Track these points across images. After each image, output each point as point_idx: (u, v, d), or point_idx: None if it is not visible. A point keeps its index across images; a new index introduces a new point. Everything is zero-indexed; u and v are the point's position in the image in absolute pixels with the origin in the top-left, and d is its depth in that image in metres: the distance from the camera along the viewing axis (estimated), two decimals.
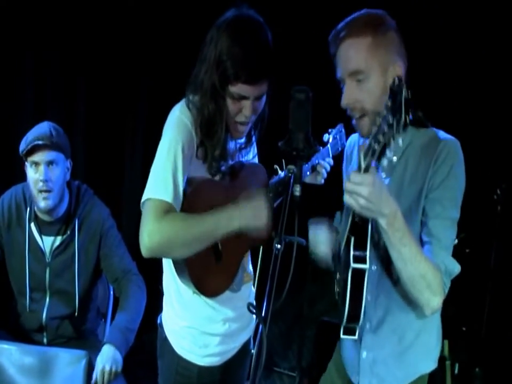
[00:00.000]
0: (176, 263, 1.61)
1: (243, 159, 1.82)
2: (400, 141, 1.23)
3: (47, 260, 2.34)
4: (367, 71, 1.45)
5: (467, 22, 3.61)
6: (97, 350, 2.12)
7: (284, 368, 3.56)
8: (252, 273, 1.92)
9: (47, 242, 2.35)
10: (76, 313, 2.39)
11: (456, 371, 3.24)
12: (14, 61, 3.43)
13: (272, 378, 3.49)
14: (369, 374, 1.64)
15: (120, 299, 2.35)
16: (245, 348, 1.92)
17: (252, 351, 1.91)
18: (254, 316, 1.88)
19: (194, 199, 1.56)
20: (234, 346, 1.86)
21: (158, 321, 1.84)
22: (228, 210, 1.53)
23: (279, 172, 1.89)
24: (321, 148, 1.92)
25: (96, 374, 2.03)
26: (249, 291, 1.90)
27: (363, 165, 1.29)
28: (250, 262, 1.90)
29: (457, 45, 3.66)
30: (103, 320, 2.63)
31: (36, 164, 2.23)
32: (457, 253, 1.51)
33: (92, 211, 2.39)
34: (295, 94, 1.28)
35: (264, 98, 1.63)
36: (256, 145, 1.89)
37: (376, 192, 1.29)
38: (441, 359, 1.70)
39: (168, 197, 1.47)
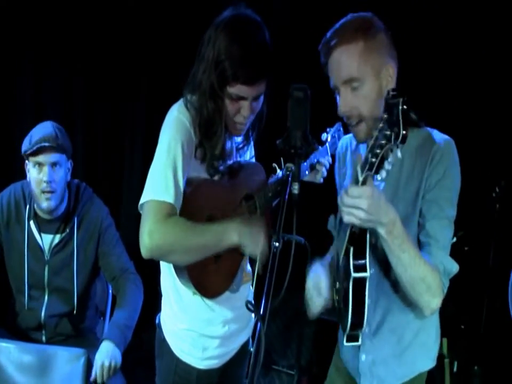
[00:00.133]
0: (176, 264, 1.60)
1: (241, 159, 1.82)
2: (399, 153, 1.21)
3: (46, 258, 2.34)
4: (361, 77, 1.44)
5: (467, 22, 3.61)
6: (96, 348, 2.12)
7: (282, 366, 3.55)
8: (251, 272, 1.92)
9: (46, 240, 2.35)
10: (75, 311, 2.39)
11: (455, 369, 3.25)
12: (14, 61, 3.44)
13: (270, 376, 3.49)
14: (369, 376, 1.64)
15: (118, 297, 2.35)
16: (243, 348, 1.91)
17: (251, 350, 1.91)
18: (253, 316, 1.88)
19: (193, 199, 1.56)
20: (233, 348, 1.86)
21: (156, 321, 1.84)
22: (229, 223, 1.53)
23: (278, 170, 1.89)
24: (319, 146, 1.91)
25: (96, 370, 2.03)
26: (247, 291, 1.89)
27: (360, 178, 1.28)
28: (248, 262, 1.90)
29: (457, 45, 3.65)
30: (101, 318, 2.63)
31: (40, 164, 2.23)
32: (455, 251, 1.51)
33: (90, 209, 2.39)
34: (294, 92, 1.27)
35: (262, 97, 1.62)
36: (255, 143, 1.88)
37: (375, 204, 1.28)
38: (440, 357, 1.71)
39: (169, 197, 1.46)
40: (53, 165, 2.24)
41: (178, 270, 1.60)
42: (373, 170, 1.24)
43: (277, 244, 1.24)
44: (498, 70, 3.65)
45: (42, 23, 3.43)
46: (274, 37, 1.59)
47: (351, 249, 1.43)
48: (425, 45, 3.57)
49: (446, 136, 1.51)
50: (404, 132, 1.16)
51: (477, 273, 3.37)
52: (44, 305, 2.36)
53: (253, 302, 1.78)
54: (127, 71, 3.73)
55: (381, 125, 1.20)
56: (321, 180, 1.99)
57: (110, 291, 2.61)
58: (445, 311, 1.64)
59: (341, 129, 2.03)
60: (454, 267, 1.47)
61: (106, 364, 2.04)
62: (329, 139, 2.01)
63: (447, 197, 1.47)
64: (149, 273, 2.18)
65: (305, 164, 1.93)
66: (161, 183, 1.48)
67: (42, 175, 2.23)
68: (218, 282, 1.70)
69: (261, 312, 1.20)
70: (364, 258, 1.42)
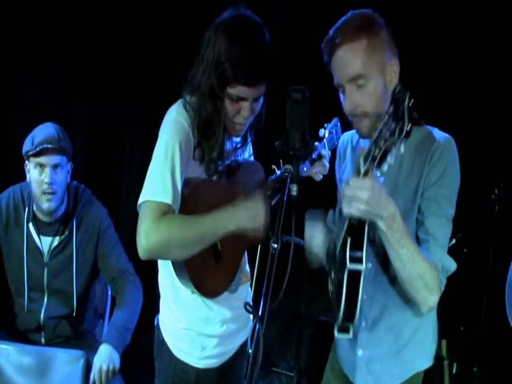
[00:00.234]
0: (175, 264, 1.60)
1: (239, 158, 1.81)
2: (402, 148, 1.21)
3: (45, 260, 2.34)
4: (367, 74, 1.44)
5: (467, 22, 3.61)
6: (95, 350, 2.11)
7: (281, 367, 3.56)
8: (249, 273, 1.92)
9: (45, 243, 2.35)
10: (74, 313, 2.39)
11: (454, 371, 3.24)
12: (14, 61, 3.44)
13: (270, 378, 3.49)
14: (365, 371, 1.64)
15: (117, 298, 2.35)
16: (242, 349, 1.91)
17: (250, 351, 1.91)
18: (251, 316, 1.88)
19: (192, 199, 1.55)
20: (232, 348, 1.86)
21: (155, 322, 1.84)
22: (225, 211, 1.52)
23: (277, 171, 1.89)
24: (318, 143, 1.91)
25: (94, 373, 2.03)
26: (246, 291, 1.89)
27: (362, 170, 1.28)
28: (247, 262, 1.90)
29: (457, 45, 3.66)
30: (100, 320, 2.63)
31: (41, 165, 2.23)
32: (455, 253, 1.52)
33: (89, 211, 2.39)
34: (292, 94, 1.27)
35: (262, 98, 1.62)
36: (253, 145, 1.88)
37: (375, 196, 1.28)
38: (439, 359, 1.71)
39: (167, 198, 1.46)
40: (55, 166, 2.24)
41: (178, 270, 1.59)
42: (376, 163, 1.24)
43: (276, 246, 1.25)
44: (498, 71, 3.66)
45: (42, 23, 3.43)
46: (274, 37, 1.59)
47: (349, 239, 1.42)
48: (425, 45, 3.58)
49: (446, 134, 1.52)
50: (409, 126, 1.16)
51: (476, 275, 3.37)
52: (43, 307, 2.36)
53: (251, 303, 1.78)
54: (127, 71, 3.72)
55: (386, 117, 1.20)
56: (321, 177, 1.98)
57: (109, 293, 2.60)
58: (444, 313, 1.65)
59: (338, 124, 2.02)
60: (452, 265, 1.48)
61: (105, 367, 2.04)
62: (326, 135, 1.99)
63: (446, 195, 1.47)
64: (148, 274, 2.17)
65: (304, 165, 1.92)
66: (159, 183, 1.47)
67: (43, 177, 2.23)
68: (218, 282, 1.70)
69: (260, 313, 1.20)
70: (361, 250, 1.42)
